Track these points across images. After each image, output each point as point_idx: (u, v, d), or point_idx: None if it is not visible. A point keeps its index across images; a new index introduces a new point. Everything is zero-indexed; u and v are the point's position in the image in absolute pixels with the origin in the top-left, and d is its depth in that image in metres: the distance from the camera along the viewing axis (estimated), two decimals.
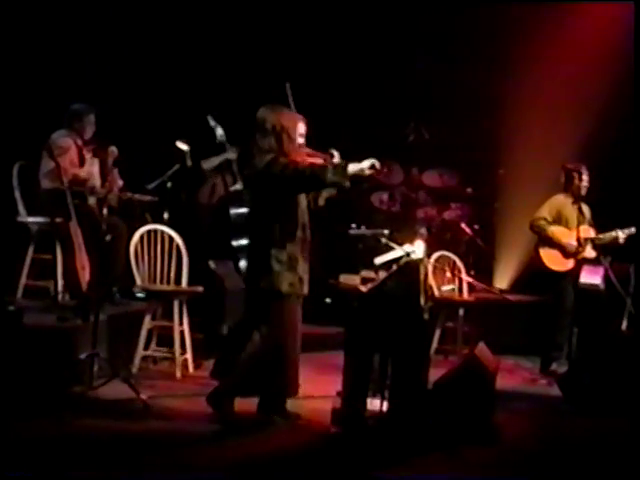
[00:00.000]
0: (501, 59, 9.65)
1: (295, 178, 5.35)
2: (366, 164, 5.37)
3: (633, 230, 7.76)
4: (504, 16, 9.39)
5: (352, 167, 5.35)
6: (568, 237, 7.87)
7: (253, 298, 5.62)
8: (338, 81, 9.86)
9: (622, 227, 7.84)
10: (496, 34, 9.48)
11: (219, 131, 6.97)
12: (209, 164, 7.83)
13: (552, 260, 7.87)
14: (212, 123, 7.02)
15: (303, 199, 5.60)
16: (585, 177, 7.93)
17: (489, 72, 9.81)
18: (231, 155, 7.76)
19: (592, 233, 7.91)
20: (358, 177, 5.42)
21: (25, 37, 7.99)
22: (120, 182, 7.25)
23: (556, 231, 7.90)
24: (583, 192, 7.94)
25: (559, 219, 7.96)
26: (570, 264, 7.83)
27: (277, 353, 5.47)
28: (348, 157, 5.65)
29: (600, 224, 8.05)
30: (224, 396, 5.55)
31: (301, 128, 5.57)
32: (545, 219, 7.92)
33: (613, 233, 7.83)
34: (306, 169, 5.34)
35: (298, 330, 5.60)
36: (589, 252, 7.83)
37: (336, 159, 5.60)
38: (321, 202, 5.78)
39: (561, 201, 8.02)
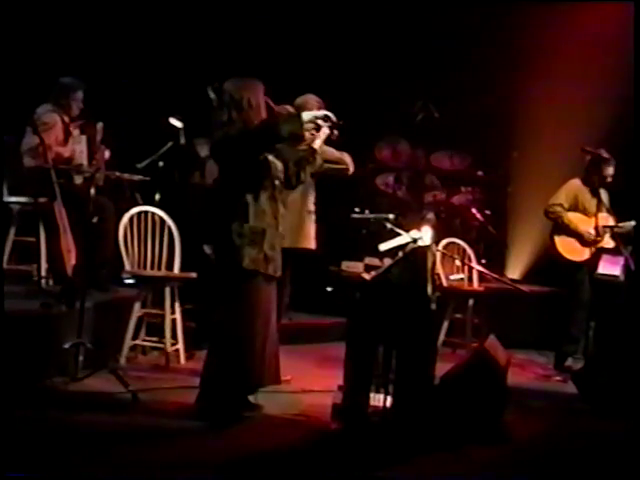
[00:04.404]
0: (515, 42, 9.62)
1: (249, 135, 5.43)
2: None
3: None
4: (517, 5, 9.47)
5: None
6: (586, 225, 7.84)
7: (216, 278, 5.55)
8: (343, 57, 9.82)
9: None
10: (510, 21, 9.51)
11: None
12: (206, 150, 7.78)
13: (568, 249, 7.85)
14: (212, 96, 6.95)
15: (276, 171, 5.59)
16: (611, 167, 7.84)
17: (503, 52, 9.76)
18: None
19: (611, 221, 7.87)
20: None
21: (12, 7, 7.93)
22: (107, 154, 7.20)
23: (573, 218, 7.87)
24: (608, 179, 7.87)
25: (576, 206, 7.93)
26: (587, 254, 7.80)
27: (240, 338, 5.40)
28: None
29: (619, 213, 8.01)
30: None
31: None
32: (561, 205, 7.89)
33: (633, 222, 7.78)
34: (257, 125, 5.47)
35: (271, 315, 5.56)
36: (607, 241, 7.80)
37: None
38: (304, 177, 5.82)
39: (578, 186, 7.98)
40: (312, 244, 6.53)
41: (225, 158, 5.53)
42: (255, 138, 5.45)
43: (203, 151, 7.71)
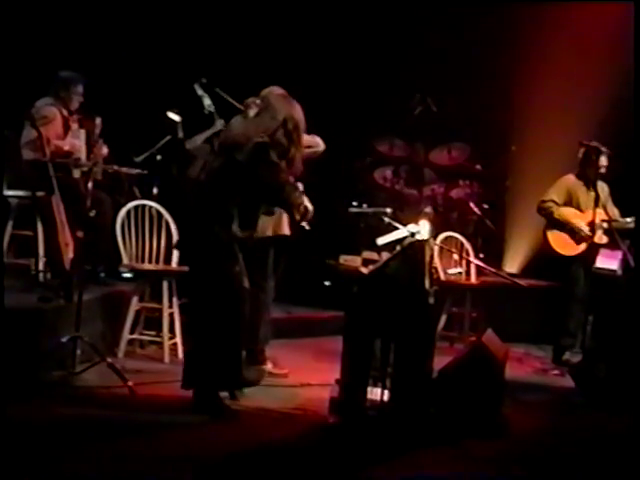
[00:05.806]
0: (515, 37, 9.60)
1: (274, 187, 5.49)
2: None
3: None
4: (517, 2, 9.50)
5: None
6: (579, 219, 7.80)
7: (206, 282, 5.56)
8: (340, 50, 9.79)
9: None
10: (509, 16, 9.51)
11: (207, 101, 6.90)
12: (193, 143, 7.77)
13: (561, 244, 7.82)
14: (199, 92, 6.95)
15: None
16: (604, 157, 7.81)
17: (502, 46, 9.74)
18: (220, 128, 7.67)
19: (606, 216, 7.79)
20: None
21: (12, 1, 7.93)
22: (105, 150, 7.19)
23: (565, 212, 7.84)
24: (602, 170, 7.82)
25: (570, 201, 7.90)
26: (581, 248, 7.76)
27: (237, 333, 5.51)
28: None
29: (617, 206, 7.99)
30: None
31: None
32: (553, 201, 7.86)
33: (628, 219, 7.74)
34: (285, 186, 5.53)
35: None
36: (600, 238, 7.73)
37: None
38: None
39: (572, 181, 7.94)
40: (287, 230, 6.55)
41: (240, 163, 5.46)
42: (276, 196, 5.55)
43: (190, 144, 7.70)
